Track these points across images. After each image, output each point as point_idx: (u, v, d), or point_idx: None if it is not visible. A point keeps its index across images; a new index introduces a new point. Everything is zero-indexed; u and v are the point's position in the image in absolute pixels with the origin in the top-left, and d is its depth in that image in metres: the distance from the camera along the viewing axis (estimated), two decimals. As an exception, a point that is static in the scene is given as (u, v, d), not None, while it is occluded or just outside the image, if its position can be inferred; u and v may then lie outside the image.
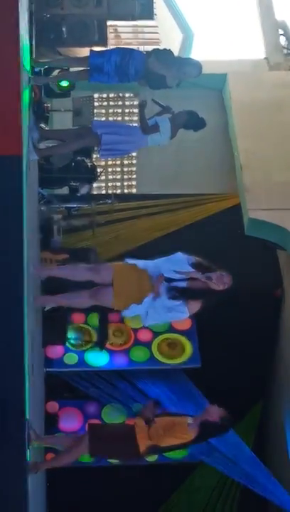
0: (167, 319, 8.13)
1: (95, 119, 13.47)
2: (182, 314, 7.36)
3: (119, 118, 15.66)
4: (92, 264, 8.31)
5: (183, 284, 7.33)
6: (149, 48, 12.94)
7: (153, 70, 8.85)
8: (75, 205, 13.56)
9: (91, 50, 9.22)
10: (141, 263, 7.51)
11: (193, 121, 9.08)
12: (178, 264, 7.46)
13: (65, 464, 7.79)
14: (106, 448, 7.61)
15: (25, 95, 7.67)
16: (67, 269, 7.97)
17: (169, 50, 9.13)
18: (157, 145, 9.13)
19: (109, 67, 8.84)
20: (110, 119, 15.57)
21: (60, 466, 7.97)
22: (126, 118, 15.66)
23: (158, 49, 9.12)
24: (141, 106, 8.97)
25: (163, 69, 8.86)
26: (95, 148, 9.58)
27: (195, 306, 7.34)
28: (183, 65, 9.01)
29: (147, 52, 9.10)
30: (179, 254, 7.57)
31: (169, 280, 7.32)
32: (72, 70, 10.39)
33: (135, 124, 9.23)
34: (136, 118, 15.25)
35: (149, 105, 9.19)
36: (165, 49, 9.15)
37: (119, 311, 7.75)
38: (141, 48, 14.60)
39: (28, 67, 8.39)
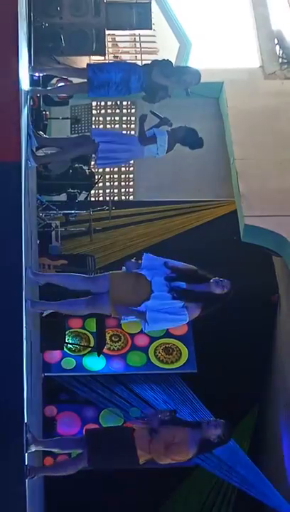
0: (167, 325, 8.09)
1: (93, 127, 13.55)
2: (182, 317, 7.34)
3: (117, 126, 15.76)
4: (90, 275, 8.35)
5: (183, 285, 7.34)
6: (147, 56, 13.14)
7: (155, 82, 8.90)
8: (73, 212, 13.63)
9: (88, 64, 9.23)
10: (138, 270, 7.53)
11: (191, 139, 9.06)
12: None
13: (63, 474, 7.79)
14: (105, 462, 7.59)
15: (24, 103, 7.73)
16: (65, 278, 7.97)
17: (168, 60, 9.17)
18: (153, 156, 9.16)
19: (110, 82, 8.88)
20: (108, 126, 15.67)
21: (57, 475, 7.97)
22: (124, 126, 15.77)
23: (158, 61, 9.14)
24: (141, 119, 8.99)
25: (164, 80, 8.91)
26: (93, 156, 9.61)
27: (196, 309, 7.34)
28: (183, 73, 9.04)
29: (147, 64, 9.13)
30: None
31: (169, 280, 7.33)
32: (70, 79, 10.43)
33: (133, 134, 9.24)
34: (133, 126, 15.38)
35: (148, 116, 9.24)
36: (164, 60, 9.19)
37: (116, 318, 7.73)
38: (139, 57, 14.82)
39: (26, 75, 8.45)
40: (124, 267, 7.58)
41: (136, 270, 7.44)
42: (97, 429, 9.16)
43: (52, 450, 11.13)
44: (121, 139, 9.20)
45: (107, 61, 13.42)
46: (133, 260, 7.53)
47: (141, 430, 7.39)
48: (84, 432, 7.82)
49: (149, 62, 9.23)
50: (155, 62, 9.10)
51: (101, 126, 15.66)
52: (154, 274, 7.37)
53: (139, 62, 14.26)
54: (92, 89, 8.91)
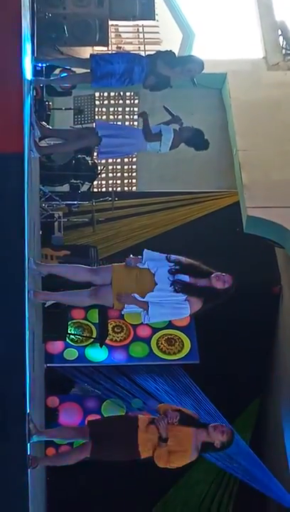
0: (168, 317, 8.10)
1: (96, 117, 13.54)
2: (184, 311, 7.36)
3: (120, 116, 15.75)
4: (92, 267, 8.35)
5: (186, 279, 7.35)
6: (150, 47, 13.12)
7: (159, 73, 8.88)
8: (76, 203, 13.63)
9: (92, 55, 9.21)
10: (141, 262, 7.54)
11: (197, 141, 9.03)
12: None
13: (64, 464, 7.81)
14: (107, 454, 7.62)
15: (27, 93, 7.73)
16: (68, 269, 7.97)
17: (171, 51, 9.17)
18: (155, 152, 9.14)
19: (113, 73, 8.86)
20: (111, 117, 15.66)
21: (59, 465, 7.99)
22: (127, 116, 15.76)
23: (162, 52, 9.13)
24: (144, 117, 8.94)
25: (168, 70, 8.89)
26: (95, 148, 9.60)
27: (197, 303, 7.35)
28: (186, 63, 9.03)
29: (150, 55, 9.11)
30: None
31: (173, 272, 7.34)
32: (73, 69, 10.42)
33: (137, 126, 9.20)
34: (136, 117, 15.37)
35: (159, 110, 9.19)
36: (167, 50, 9.18)
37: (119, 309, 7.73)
38: (142, 48, 14.79)
39: (29, 65, 8.45)
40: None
41: (137, 265, 7.45)
42: (101, 421, 9.13)
43: (54, 440, 11.23)
44: (125, 132, 9.15)
45: (110, 52, 13.40)
46: (132, 256, 7.52)
47: (148, 428, 7.38)
48: (86, 423, 7.83)
49: (153, 53, 9.21)
50: (158, 53, 9.08)
51: (104, 117, 15.65)
52: (158, 267, 7.38)
53: (142, 53, 14.26)
54: (95, 80, 8.89)
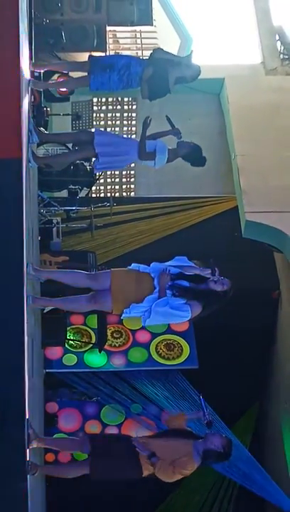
0: (168, 321, 8.09)
1: (94, 123, 13.54)
2: (185, 314, 7.36)
3: (118, 122, 15.76)
4: (91, 272, 8.35)
5: (186, 284, 7.36)
6: (148, 52, 13.15)
7: (156, 59, 8.90)
8: (74, 208, 13.63)
9: (90, 56, 9.22)
10: (142, 267, 7.54)
11: (194, 158, 9.05)
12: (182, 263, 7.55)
13: (63, 477, 7.82)
14: (107, 474, 7.62)
15: (25, 99, 7.74)
16: (67, 274, 7.97)
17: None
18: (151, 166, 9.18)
19: (113, 66, 8.87)
20: (109, 123, 15.66)
21: (58, 476, 8.01)
22: (125, 122, 15.76)
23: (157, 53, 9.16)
24: (145, 125, 8.93)
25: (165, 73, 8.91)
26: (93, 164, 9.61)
27: (197, 308, 7.36)
28: (182, 66, 9.06)
29: (147, 58, 9.13)
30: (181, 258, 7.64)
31: (172, 278, 7.35)
32: (71, 74, 10.43)
33: (136, 133, 9.17)
34: (134, 122, 15.38)
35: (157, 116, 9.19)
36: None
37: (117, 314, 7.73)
38: (140, 53, 14.82)
39: (27, 71, 8.46)
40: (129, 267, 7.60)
41: (138, 269, 7.47)
42: (101, 438, 9.04)
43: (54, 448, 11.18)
44: (122, 149, 9.08)
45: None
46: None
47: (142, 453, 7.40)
48: (85, 434, 7.80)
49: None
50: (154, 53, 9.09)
51: (102, 123, 15.65)
52: (158, 271, 7.39)
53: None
54: (93, 83, 8.88)
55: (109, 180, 16.43)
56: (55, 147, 11.93)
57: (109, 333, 13.88)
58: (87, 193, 14.04)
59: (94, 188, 14.73)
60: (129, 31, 15.29)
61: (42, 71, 9.77)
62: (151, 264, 7.51)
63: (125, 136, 14.45)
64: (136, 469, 7.34)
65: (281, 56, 15.17)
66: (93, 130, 9.69)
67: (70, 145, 11.25)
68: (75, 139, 9.78)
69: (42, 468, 7.80)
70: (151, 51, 9.20)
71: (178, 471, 7.36)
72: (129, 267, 7.58)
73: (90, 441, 7.61)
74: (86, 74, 8.95)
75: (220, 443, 7.41)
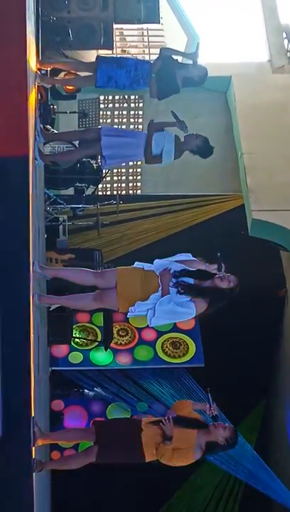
0: (173, 319, 8.07)
1: (101, 121, 13.53)
2: (190, 311, 7.33)
3: (125, 120, 15.76)
4: (97, 270, 8.35)
5: (191, 281, 7.34)
6: (155, 50, 13.14)
7: (164, 56, 8.92)
8: (81, 206, 13.63)
9: (98, 56, 9.23)
10: (147, 265, 7.53)
11: (204, 150, 9.03)
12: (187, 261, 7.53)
13: (70, 468, 7.81)
14: (113, 458, 7.64)
15: (32, 97, 7.74)
16: (73, 272, 7.96)
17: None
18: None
19: (118, 71, 8.88)
20: (116, 120, 15.67)
21: (64, 469, 7.99)
22: (132, 120, 15.76)
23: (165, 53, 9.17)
24: (150, 128, 8.92)
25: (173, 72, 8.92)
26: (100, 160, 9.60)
27: (202, 305, 7.33)
28: (189, 65, 9.07)
29: (155, 60, 9.15)
30: (184, 254, 7.62)
31: (176, 276, 7.33)
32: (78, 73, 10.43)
33: (143, 133, 9.12)
34: (141, 120, 15.38)
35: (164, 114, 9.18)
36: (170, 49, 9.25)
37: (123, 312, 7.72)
38: (147, 51, 14.81)
39: (34, 68, 8.46)
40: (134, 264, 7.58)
41: (143, 267, 7.46)
42: (106, 424, 9.13)
43: (59, 443, 11.20)
44: (129, 149, 9.05)
45: (115, 55, 13.43)
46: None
47: (151, 430, 7.40)
48: (91, 424, 7.81)
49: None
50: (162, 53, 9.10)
51: (108, 121, 15.66)
52: (160, 269, 7.38)
53: (147, 57, 14.31)
54: (100, 82, 8.89)
55: (115, 178, 16.44)
56: (62, 145, 11.93)
57: (115, 331, 13.90)
58: (94, 191, 14.05)
59: (100, 185, 14.75)
60: (135, 29, 15.28)
61: (48, 69, 9.77)
62: (154, 262, 7.50)
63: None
64: (140, 454, 7.36)
65: (288, 54, 15.14)
66: (100, 127, 9.65)
67: (76, 142, 11.25)
68: (81, 137, 9.76)
69: (47, 463, 7.79)
70: (159, 49, 9.22)
71: (176, 460, 7.39)
72: (134, 266, 7.57)
73: (95, 428, 7.62)
74: (93, 73, 8.97)
75: (223, 436, 7.42)
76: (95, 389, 14.20)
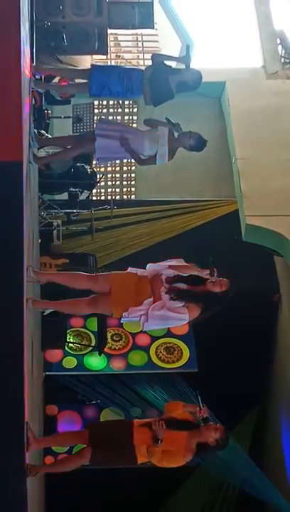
0: (166, 325, 8.07)
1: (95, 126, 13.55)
2: (183, 317, 7.33)
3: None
4: (91, 274, 8.35)
5: (184, 286, 7.34)
6: (149, 56, 13.17)
7: (157, 63, 8.95)
8: (75, 211, 13.64)
9: (92, 65, 9.27)
10: (141, 270, 7.54)
11: (199, 145, 9.02)
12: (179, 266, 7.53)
13: (64, 471, 7.81)
14: (106, 460, 7.66)
15: (26, 102, 7.74)
16: (67, 277, 7.97)
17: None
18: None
19: (111, 77, 8.90)
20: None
21: (59, 472, 7.99)
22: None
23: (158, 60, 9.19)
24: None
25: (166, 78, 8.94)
26: (94, 155, 9.61)
27: (195, 310, 7.33)
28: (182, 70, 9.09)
29: (147, 66, 9.18)
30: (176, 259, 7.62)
31: (169, 281, 7.33)
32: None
33: (138, 131, 9.16)
34: (135, 125, 15.39)
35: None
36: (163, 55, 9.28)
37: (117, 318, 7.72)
38: (141, 56, 14.83)
39: (28, 74, 8.46)
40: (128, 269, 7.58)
41: (136, 272, 7.47)
42: (99, 426, 9.15)
43: (53, 448, 11.19)
44: (122, 152, 9.08)
45: (109, 60, 13.47)
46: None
47: (143, 432, 7.41)
48: (84, 427, 7.82)
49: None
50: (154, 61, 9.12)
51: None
52: (156, 275, 7.39)
53: (142, 62, 14.33)
54: (93, 91, 8.91)
55: (109, 183, 16.44)
56: (56, 149, 11.94)
57: (109, 336, 13.89)
58: (88, 196, 14.05)
59: (94, 190, 14.74)
60: (130, 34, 15.31)
61: (43, 76, 9.80)
62: (147, 266, 7.50)
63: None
64: (132, 456, 7.38)
65: (282, 60, 15.15)
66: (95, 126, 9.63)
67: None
68: (76, 143, 9.75)
69: (41, 468, 7.78)
70: (151, 55, 9.26)
71: (166, 462, 7.40)
72: (127, 271, 7.58)
73: (89, 430, 7.63)
74: (87, 81, 8.99)
75: (214, 439, 7.43)
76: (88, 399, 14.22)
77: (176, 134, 8.90)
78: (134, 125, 15.61)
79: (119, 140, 8.77)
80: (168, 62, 9.14)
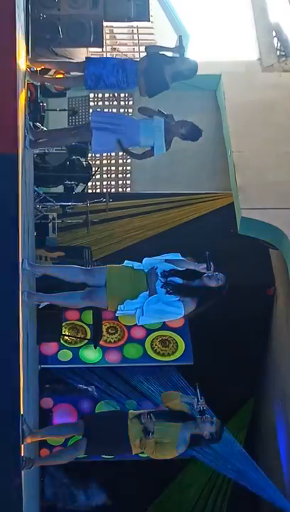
0: (161, 319, 8.09)
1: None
2: (178, 310, 7.34)
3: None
4: (87, 267, 8.36)
5: (179, 281, 7.35)
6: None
7: (151, 54, 8.96)
8: (70, 204, 13.63)
9: (86, 58, 9.26)
10: (137, 264, 7.54)
11: (193, 133, 9.01)
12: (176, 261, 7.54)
13: (59, 463, 7.83)
14: (101, 450, 7.69)
15: (22, 94, 7.73)
16: (62, 270, 7.97)
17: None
18: None
19: (107, 63, 8.90)
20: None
21: (54, 464, 8.02)
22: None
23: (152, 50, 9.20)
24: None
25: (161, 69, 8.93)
26: (89, 146, 9.61)
27: (191, 304, 7.34)
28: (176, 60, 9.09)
29: (141, 58, 9.18)
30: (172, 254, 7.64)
31: (165, 275, 7.33)
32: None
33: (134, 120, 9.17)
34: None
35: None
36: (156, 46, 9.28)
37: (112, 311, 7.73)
38: (136, 49, 14.81)
39: (24, 66, 8.45)
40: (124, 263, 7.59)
41: (132, 266, 7.48)
42: (94, 417, 9.16)
43: (48, 440, 11.20)
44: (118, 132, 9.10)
45: (105, 53, 13.43)
46: None
47: (137, 423, 7.43)
48: (80, 419, 7.84)
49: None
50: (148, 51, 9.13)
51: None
52: (149, 267, 7.39)
53: (137, 54, 14.30)
54: (88, 84, 8.91)
55: (105, 176, 16.42)
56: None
57: (104, 328, 13.89)
58: (83, 189, 14.04)
59: (90, 183, 14.72)
60: (125, 27, 15.28)
61: (38, 69, 9.77)
62: (143, 261, 7.51)
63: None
64: (127, 447, 7.42)
65: (278, 53, 15.13)
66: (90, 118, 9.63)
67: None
68: (71, 135, 9.74)
69: (36, 460, 7.80)
70: (145, 48, 9.26)
71: (159, 454, 7.42)
72: (123, 264, 7.58)
73: (84, 422, 7.65)
74: (82, 74, 8.98)
75: (209, 432, 7.45)
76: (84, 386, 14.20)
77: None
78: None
79: (116, 142, 8.81)
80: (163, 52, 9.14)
